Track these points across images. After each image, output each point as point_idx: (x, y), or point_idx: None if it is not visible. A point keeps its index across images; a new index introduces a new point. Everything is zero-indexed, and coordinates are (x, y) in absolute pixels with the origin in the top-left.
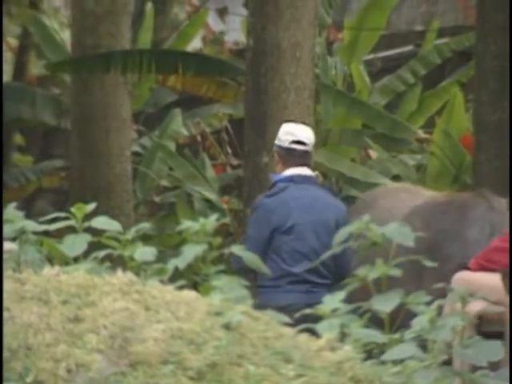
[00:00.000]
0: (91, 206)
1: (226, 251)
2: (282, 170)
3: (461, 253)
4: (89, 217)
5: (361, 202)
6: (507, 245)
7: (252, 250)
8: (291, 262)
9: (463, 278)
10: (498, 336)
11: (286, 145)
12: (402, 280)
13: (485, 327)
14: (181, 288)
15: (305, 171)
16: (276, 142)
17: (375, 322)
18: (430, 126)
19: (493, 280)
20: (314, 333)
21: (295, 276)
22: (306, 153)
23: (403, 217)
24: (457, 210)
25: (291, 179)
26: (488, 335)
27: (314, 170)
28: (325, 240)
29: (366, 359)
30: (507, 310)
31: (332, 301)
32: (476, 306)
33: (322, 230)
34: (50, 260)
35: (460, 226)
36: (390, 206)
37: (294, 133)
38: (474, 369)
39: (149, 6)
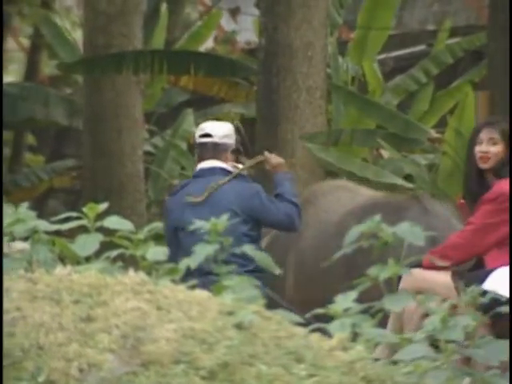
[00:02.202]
0: (103, 206)
1: (237, 250)
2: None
3: (396, 255)
4: (101, 216)
5: (305, 197)
6: (464, 241)
7: (166, 247)
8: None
9: (413, 277)
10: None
11: (197, 140)
12: (336, 280)
13: None
14: (192, 288)
15: (211, 163)
16: None
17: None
18: (442, 125)
19: (442, 278)
20: (325, 332)
21: (199, 270)
22: (215, 145)
23: (339, 217)
24: (392, 213)
25: (196, 175)
26: None
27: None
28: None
29: (377, 359)
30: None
31: (344, 300)
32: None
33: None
34: (62, 260)
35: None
36: (328, 206)
37: (202, 128)
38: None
39: (163, 6)
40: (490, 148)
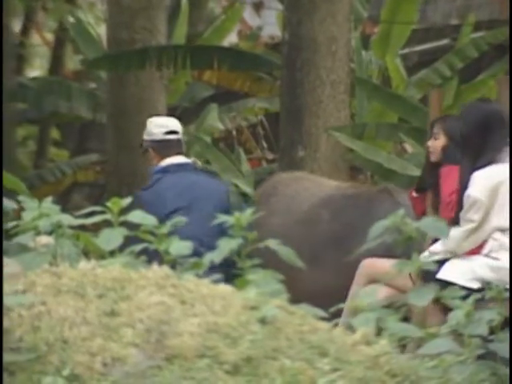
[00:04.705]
0: (127, 200)
1: (261, 245)
2: (159, 162)
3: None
4: (125, 211)
5: (261, 191)
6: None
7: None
8: None
9: (370, 264)
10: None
11: (160, 137)
12: (304, 269)
13: None
14: (216, 282)
15: (180, 159)
16: (145, 137)
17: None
18: None
19: None
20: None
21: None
22: (178, 141)
23: (311, 206)
24: (364, 205)
25: (166, 170)
26: None
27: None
28: (203, 224)
29: (401, 353)
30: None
31: (368, 295)
32: (381, 293)
33: (199, 215)
34: (86, 254)
35: (367, 220)
36: (294, 193)
37: (165, 124)
38: None
39: (184, 1)
40: (433, 143)
